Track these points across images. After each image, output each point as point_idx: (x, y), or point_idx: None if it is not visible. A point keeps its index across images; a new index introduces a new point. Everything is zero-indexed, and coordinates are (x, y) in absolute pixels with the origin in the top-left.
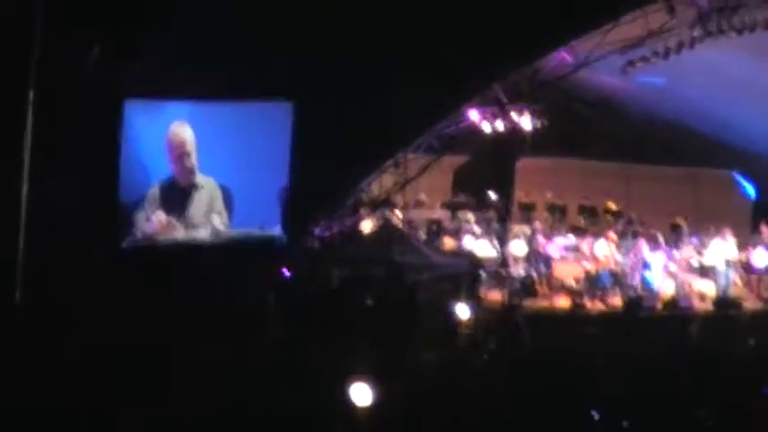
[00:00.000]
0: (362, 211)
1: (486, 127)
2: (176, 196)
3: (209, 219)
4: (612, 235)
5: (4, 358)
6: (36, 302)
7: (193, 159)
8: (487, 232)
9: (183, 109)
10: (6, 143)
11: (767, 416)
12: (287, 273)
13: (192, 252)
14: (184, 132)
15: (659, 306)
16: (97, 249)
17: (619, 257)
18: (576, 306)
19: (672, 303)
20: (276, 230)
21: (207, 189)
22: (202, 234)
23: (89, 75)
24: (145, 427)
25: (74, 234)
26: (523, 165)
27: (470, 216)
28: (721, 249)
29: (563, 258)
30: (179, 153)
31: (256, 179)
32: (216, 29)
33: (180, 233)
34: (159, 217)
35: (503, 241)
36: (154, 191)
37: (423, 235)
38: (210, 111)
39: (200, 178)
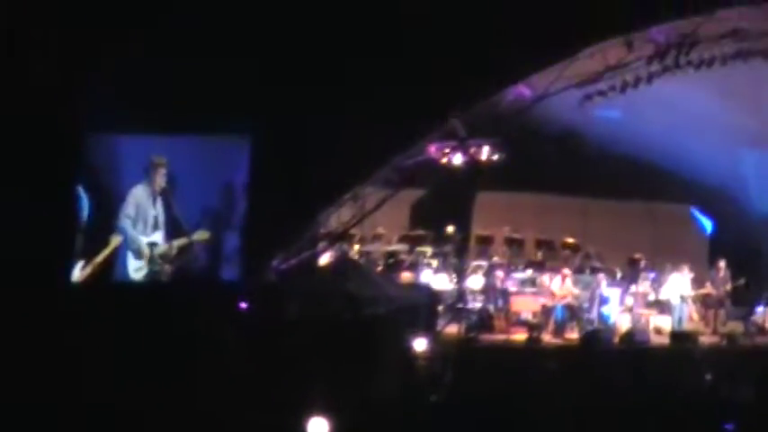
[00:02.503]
0: (320, 244)
1: (445, 161)
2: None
3: (175, 252)
4: (566, 270)
5: None
6: None
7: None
8: (445, 266)
9: (148, 144)
10: None
11: None
12: (244, 306)
13: (150, 287)
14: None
15: (616, 340)
16: (50, 283)
17: (576, 291)
18: (533, 340)
19: (628, 337)
20: (235, 265)
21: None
22: (167, 270)
23: (49, 107)
24: None
25: (28, 267)
26: (481, 199)
27: (428, 249)
28: (677, 284)
29: (520, 292)
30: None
31: (216, 214)
32: (171, 64)
33: (144, 270)
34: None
35: (460, 275)
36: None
37: (380, 268)
38: (172, 146)
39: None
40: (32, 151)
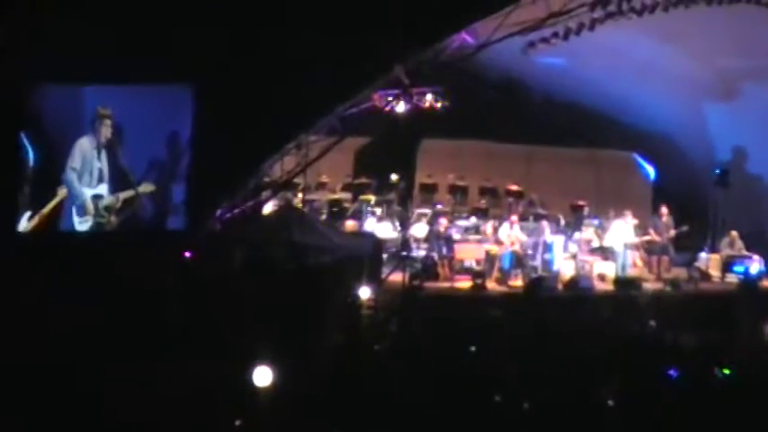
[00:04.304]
0: (264, 193)
1: (388, 109)
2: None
3: (120, 204)
4: (514, 218)
5: None
6: None
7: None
8: (389, 214)
9: (93, 95)
10: None
11: (668, 396)
12: (188, 255)
13: (96, 237)
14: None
15: (560, 287)
16: None
17: (524, 238)
18: (478, 287)
19: (572, 284)
20: (181, 215)
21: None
22: (113, 221)
23: None
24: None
25: None
26: (426, 147)
27: (372, 198)
28: (621, 231)
29: (464, 240)
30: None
31: (162, 165)
32: (116, 15)
33: (89, 222)
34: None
35: (404, 223)
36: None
37: (324, 217)
38: (118, 97)
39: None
40: None
